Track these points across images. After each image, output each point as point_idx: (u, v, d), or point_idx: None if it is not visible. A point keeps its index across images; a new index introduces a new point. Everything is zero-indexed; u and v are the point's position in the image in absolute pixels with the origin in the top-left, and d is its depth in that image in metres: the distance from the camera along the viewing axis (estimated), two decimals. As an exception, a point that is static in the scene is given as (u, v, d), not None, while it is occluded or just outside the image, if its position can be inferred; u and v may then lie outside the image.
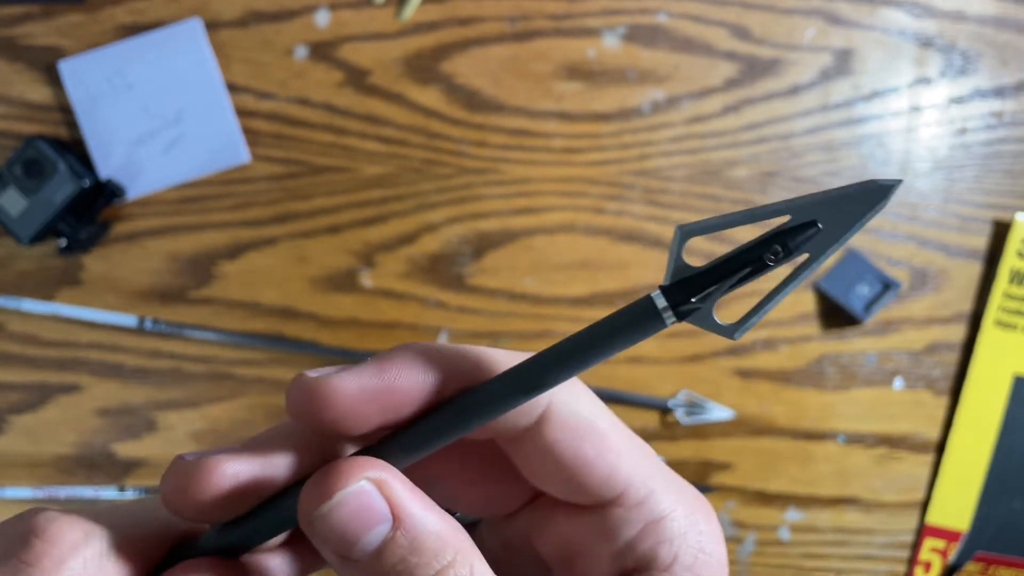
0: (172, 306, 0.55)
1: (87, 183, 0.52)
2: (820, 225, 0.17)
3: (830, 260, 0.54)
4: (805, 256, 0.17)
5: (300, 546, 0.21)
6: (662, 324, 0.18)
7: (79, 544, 0.18)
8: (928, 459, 0.55)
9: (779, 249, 0.17)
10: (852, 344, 0.55)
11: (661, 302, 0.18)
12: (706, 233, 0.18)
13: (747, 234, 0.18)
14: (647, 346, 0.55)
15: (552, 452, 0.20)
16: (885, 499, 0.55)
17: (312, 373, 0.19)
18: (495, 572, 0.19)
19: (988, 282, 0.55)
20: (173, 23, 0.54)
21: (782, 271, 0.18)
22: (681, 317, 0.18)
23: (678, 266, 0.18)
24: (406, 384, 0.19)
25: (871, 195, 0.17)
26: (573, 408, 0.21)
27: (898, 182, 0.17)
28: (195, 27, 0.54)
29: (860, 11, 0.54)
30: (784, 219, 0.17)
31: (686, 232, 0.18)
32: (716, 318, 0.18)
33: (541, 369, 0.19)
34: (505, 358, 0.20)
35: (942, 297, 0.55)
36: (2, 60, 0.54)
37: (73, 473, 0.55)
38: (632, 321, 0.18)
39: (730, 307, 0.49)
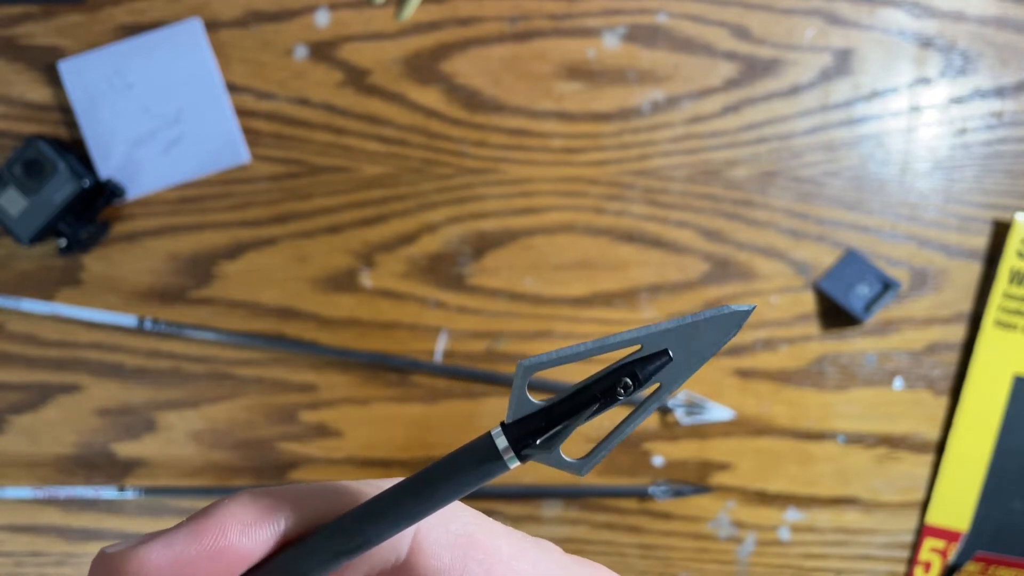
0: (172, 306, 0.55)
1: (87, 183, 0.52)
2: (672, 354, 0.16)
3: (830, 260, 0.54)
4: (656, 386, 0.16)
5: None
6: (504, 467, 0.17)
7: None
8: (928, 459, 0.55)
9: (629, 381, 0.16)
10: (852, 344, 0.55)
11: (502, 442, 0.16)
12: (552, 367, 0.16)
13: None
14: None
15: None
16: (885, 499, 0.55)
17: (113, 548, 0.17)
18: None
19: (988, 282, 0.55)
20: (173, 23, 0.54)
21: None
22: (524, 459, 0.17)
23: (521, 402, 0.17)
24: (234, 543, 0.17)
25: (725, 323, 0.16)
26: (446, 528, 0.18)
27: (752, 308, 0.16)
28: (195, 27, 0.54)
29: (860, 11, 0.54)
30: (634, 348, 0.16)
31: (528, 368, 0.16)
32: (563, 454, 0.17)
33: (365, 522, 0.17)
34: (366, 492, 0.18)
35: (942, 297, 0.55)
36: (2, 60, 0.54)
37: (73, 473, 0.55)
38: (471, 462, 0.17)
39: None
